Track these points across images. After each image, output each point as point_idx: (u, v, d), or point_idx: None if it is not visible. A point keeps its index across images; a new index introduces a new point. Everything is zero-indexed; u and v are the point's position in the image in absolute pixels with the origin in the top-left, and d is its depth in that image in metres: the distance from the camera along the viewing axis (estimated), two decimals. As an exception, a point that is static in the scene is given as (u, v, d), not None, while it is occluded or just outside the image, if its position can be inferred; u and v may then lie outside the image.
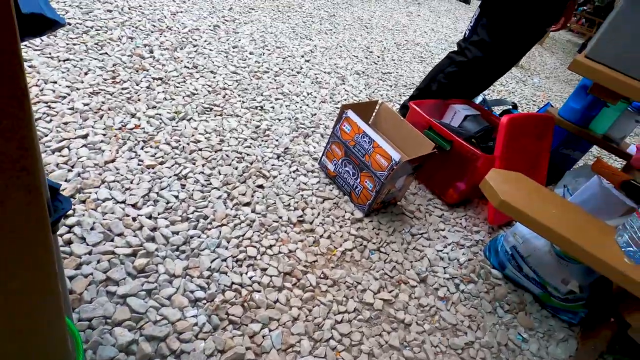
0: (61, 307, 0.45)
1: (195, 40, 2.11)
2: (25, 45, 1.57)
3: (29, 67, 1.48)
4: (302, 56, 2.43)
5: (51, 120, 1.29)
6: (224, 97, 1.76)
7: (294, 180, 1.47)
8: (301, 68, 2.28)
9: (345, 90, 2.24)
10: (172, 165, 1.31)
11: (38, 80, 1.43)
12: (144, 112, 1.48)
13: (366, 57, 2.82)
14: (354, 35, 3.15)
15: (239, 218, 1.23)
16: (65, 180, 1.12)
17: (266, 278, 1.10)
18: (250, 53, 2.21)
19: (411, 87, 2.63)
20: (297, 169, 1.52)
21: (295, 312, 1.05)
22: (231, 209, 1.25)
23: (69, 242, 0.97)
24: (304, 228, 1.30)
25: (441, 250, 1.43)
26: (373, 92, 2.38)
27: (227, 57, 2.08)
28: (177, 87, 1.70)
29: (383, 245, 1.35)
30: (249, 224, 1.23)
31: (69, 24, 1.81)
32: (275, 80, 2.05)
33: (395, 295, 1.21)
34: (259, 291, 1.06)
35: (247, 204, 1.29)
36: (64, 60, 1.58)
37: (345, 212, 1.42)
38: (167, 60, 1.84)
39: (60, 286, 0.44)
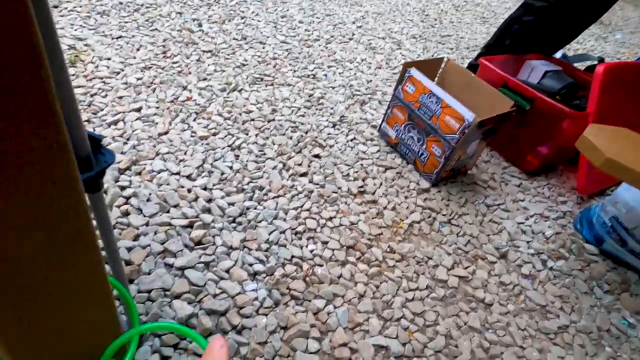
0: (101, 262, 0.39)
1: (243, 12, 2.03)
2: (81, 25, 1.58)
3: (85, 45, 1.48)
4: (353, 22, 2.28)
5: (106, 95, 1.27)
6: (274, 67, 1.67)
7: (352, 149, 1.36)
8: (353, 34, 2.14)
9: (402, 55, 2.07)
10: (225, 136, 1.25)
11: (93, 57, 1.42)
12: (195, 85, 1.43)
13: (422, 21, 2.60)
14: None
15: (296, 189, 1.15)
16: (121, 153, 1.09)
17: (328, 251, 1.01)
18: (300, 22, 2.10)
19: (474, 50, 2.39)
20: (354, 137, 1.41)
21: (361, 288, 0.95)
22: (287, 180, 1.17)
23: (126, 214, 0.94)
24: (366, 199, 1.19)
25: (522, 223, 1.26)
26: (432, 55, 2.19)
27: (275, 27, 1.99)
28: (227, 58, 1.64)
29: (454, 217, 1.21)
30: (307, 194, 1.14)
31: (121, 3, 1.81)
32: (326, 48, 1.93)
33: (472, 271, 1.07)
34: (321, 265, 0.97)
35: (304, 175, 1.21)
36: (117, 38, 1.57)
37: (410, 182, 1.29)
38: (216, 33, 1.78)
39: (97, 242, 0.37)
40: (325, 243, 1.03)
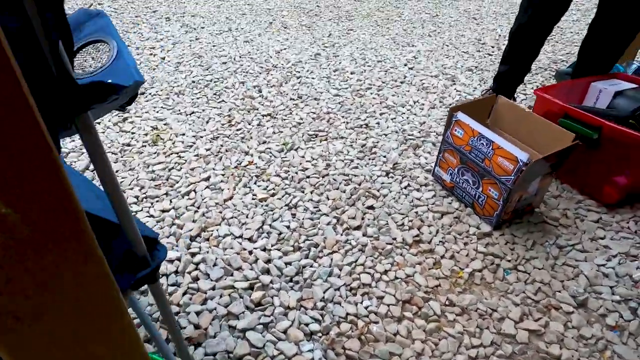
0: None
1: (299, 72, 2.20)
2: (161, 107, 1.84)
3: (164, 124, 1.72)
4: (405, 65, 2.32)
5: (181, 169, 1.46)
6: (327, 121, 1.77)
7: (406, 197, 1.36)
8: (405, 77, 2.17)
9: (457, 91, 2.05)
10: (283, 196, 1.34)
11: (171, 135, 1.65)
12: (255, 149, 1.57)
13: (478, 51, 2.56)
14: (462, 31, 2.90)
15: (350, 243, 1.18)
16: (193, 221, 1.23)
17: (383, 307, 1.01)
18: (351, 73, 2.21)
19: (538, 72, 2.27)
20: (408, 184, 1.42)
21: (418, 346, 0.94)
22: (341, 234, 1.21)
23: (196, 279, 1.06)
24: (422, 249, 1.18)
25: (603, 265, 1.14)
26: (490, 86, 2.13)
27: (329, 81, 2.11)
28: (284, 119, 1.77)
29: (521, 263, 1.14)
30: (361, 248, 1.17)
31: (193, 82, 2.08)
32: (378, 95, 1.99)
33: (544, 324, 0.99)
34: (376, 322, 0.98)
35: (358, 228, 1.24)
36: (190, 114, 1.80)
37: (470, 226, 1.25)
38: (274, 96, 1.95)
39: (138, 336, 0.45)
40: (380, 298, 1.04)
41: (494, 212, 1.21)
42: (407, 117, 1.81)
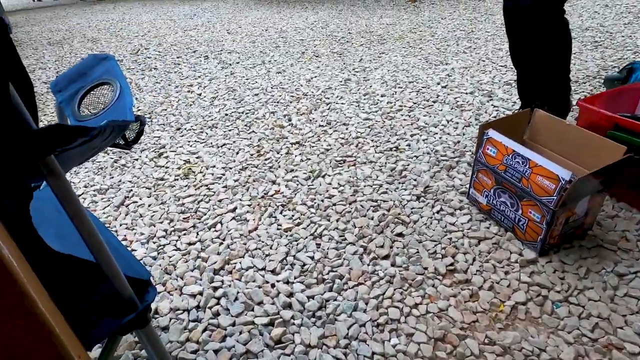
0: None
1: (328, 98, 2.20)
2: (195, 141, 1.90)
3: (197, 157, 1.76)
4: (438, 83, 2.25)
5: (209, 201, 1.47)
6: (356, 146, 1.73)
7: (438, 223, 1.27)
8: (437, 96, 2.10)
9: (494, 107, 1.94)
10: (308, 225, 1.31)
11: (202, 167, 1.68)
12: (282, 177, 1.56)
13: (517, 63, 2.43)
14: (499, 44, 2.79)
15: (377, 274, 1.11)
16: (217, 254, 1.23)
17: (413, 346, 0.93)
18: (382, 95, 2.17)
19: (585, 81, 2.11)
20: (441, 208, 1.33)
21: (453, 391, 0.84)
22: (368, 265, 1.14)
23: (216, 314, 1.03)
24: (457, 279, 1.08)
25: (676, 296, 0.98)
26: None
27: (358, 106, 2.08)
28: (312, 146, 1.76)
29: (573, 294, 1.01)
30: (389, 280, 1.09)
31: (226, 114, 2.14)
32: (409, 116, 1.93)
33: (604, 367, 0.85)
34: (405, 363, 0.89)
35: (386, 257, 1.17)
36: (221, 146, 1.84)
37: (511, 253, 1.14)
38: (304, 124, 1.95)
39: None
40: (409, 335, 0.95)
41: (537, 237, 1.09)
42: (440, 137, 1.73)
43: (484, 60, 2.53)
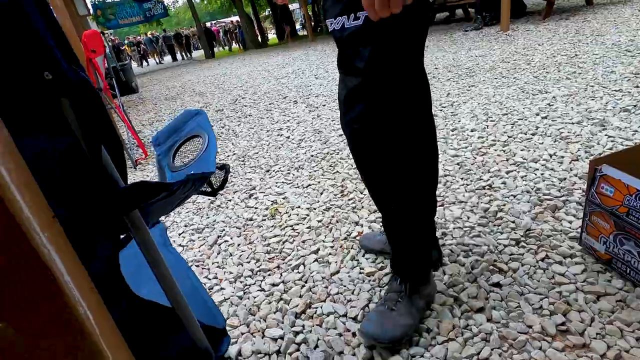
0: None
1: (413, 135, 2.14)
2: (282, 182, 1.98)
3: (283, 198, 1.83)
4: (537, 114, 2.06)
5: (293, 241, 1.50)
6: (444, 184, 1.63)
7: (544, 272, 1.11)
8: (537, 128, 1.91)
9: (609, 137, 1.69)
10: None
11: (287, 207, 1.73)
12: (366, 218, 1.53)
13: (636, 86, 2.12)
14: (611, 67, 2.48)
15: (471, 330, 0.99)
16: (299, 296, 1.22)
17: (517, 422, 0.79)
18: (472, 130, 2.05)
19: None
20: (546, 255, 1.16)
21: None
22: (459, 318, 1.03)
23: (297, 361, 1.01)
24: (571, 342, 0.91)
25: None
26: (658, 127, 1.71)
27: (445, 142, 1.99)
28: (397, 186, 1.70)
29: None
30: (485, 337, 0.97)
31: (312, 156, 2.21)
32: (504, 152, 1.78)
33: None
34: None
35: (480, 310, 1.04)
36: (306, 187, 1.88)
37: (643, 314, 0.93)
38: (387, 163, 1.91)
39: None
40: (512, 408, 0.81)
41: (679, 296, 0.88)
42: (542, 174, 1.55)
43: (592, 86, 2.26)
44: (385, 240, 1.26)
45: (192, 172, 0.68)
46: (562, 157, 1.63)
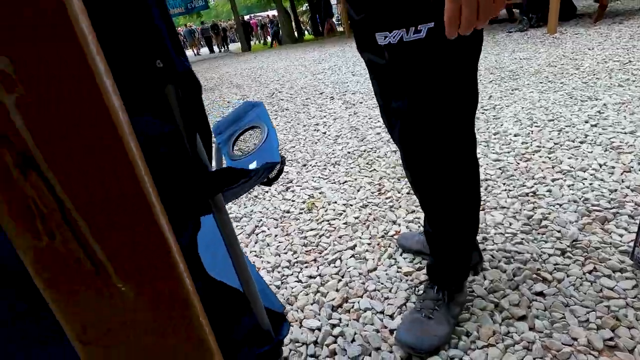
0: None
1: (453, 137, 2.11)
2: (319, 177, 2.00)
3: (319, 193, 1.85)
4: (586, 122, 1.98)
5: (330, 236, 1.51)
6: (485, 189, 1.60)
7: (591, 285, 1.08)
8: (585, 136, 1.84)
9: (665, 149, 1.61)
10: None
11: (324, 202, 1.75)
12: (403, 218, 1.52)
13: (697, 97, 2.01)
14: (669, 75, 2.35)
15: (512, 337, 0.98)
16: (336, 290, 1.23)
17: None
18: (515, 135, 2.00)
19: None
20: (594, 267, 1.13)
21: None
22: (500, 324, 1.02)
23: (333, 353, 1.02)
24: (619, 359, 0.89)
25: None
26: None
27: (487, 146, 1.95)
28: (436, 187, 1.69)
29: None
30: (527, 346, 0.95)
31: (349, 152, 2.21)
32: (549, 159, 1.73)
33: None
34: None
35: (522, 318, 1.02)
36: (342, 183, 1.89)
37: (699, 336, 0.89)
38: (426, 164, 1.90)
39: None
40: (555, 419, 0.80)
41: None
42: (591, 184, 1.49)
43: (647, 95, 2.15)
44: (424, 241, 1.26)
45: (255, 161, 0.70)
46: (613, 167, 1.57)
